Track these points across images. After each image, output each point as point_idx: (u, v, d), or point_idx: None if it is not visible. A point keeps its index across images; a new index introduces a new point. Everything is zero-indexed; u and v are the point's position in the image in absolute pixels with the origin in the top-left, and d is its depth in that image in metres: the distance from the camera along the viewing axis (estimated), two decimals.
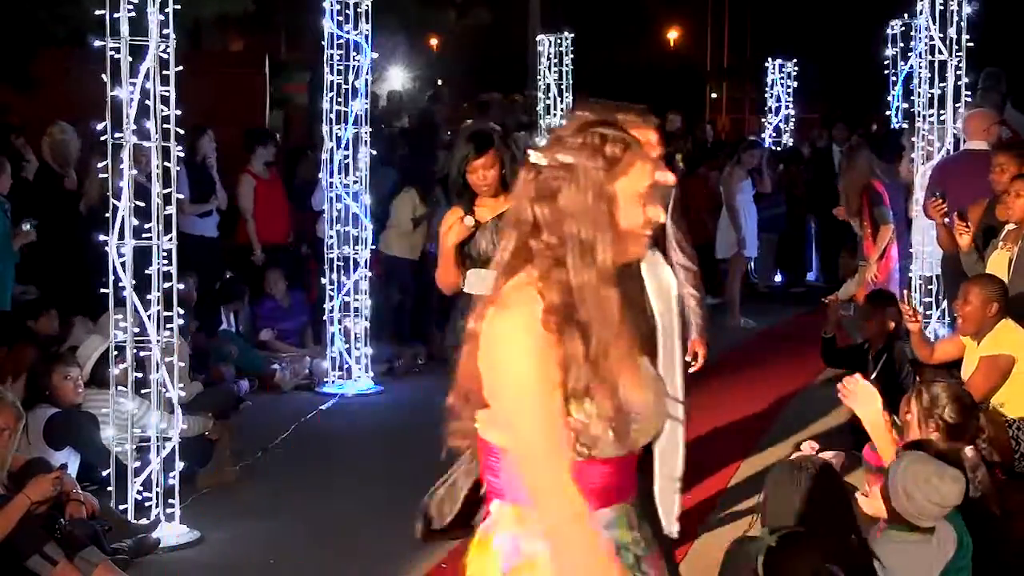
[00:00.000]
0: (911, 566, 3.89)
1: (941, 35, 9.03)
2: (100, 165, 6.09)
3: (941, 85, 9.03)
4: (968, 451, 4.72)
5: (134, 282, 5.88)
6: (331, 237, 9.35)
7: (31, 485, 5.13)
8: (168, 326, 6.04)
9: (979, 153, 8.12)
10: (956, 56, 9.01)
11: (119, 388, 6.03)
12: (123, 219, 5.89)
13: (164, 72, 5.91)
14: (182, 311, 6.44)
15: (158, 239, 5.95)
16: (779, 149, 15.26)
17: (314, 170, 10.46)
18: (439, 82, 24.00)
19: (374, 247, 9.75)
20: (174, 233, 6.04)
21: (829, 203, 12.33)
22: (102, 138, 5.93)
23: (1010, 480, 5.31)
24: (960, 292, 6.17)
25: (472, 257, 5.41)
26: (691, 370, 4.91)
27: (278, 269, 10.24)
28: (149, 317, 5.94)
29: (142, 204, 5.93)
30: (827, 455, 3.89)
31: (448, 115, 13.96)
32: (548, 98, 13.33)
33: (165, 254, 5.98)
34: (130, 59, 5.84)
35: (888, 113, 12.34)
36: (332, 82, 9.23)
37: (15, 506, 5.04)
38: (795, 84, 15.77)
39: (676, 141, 14.08)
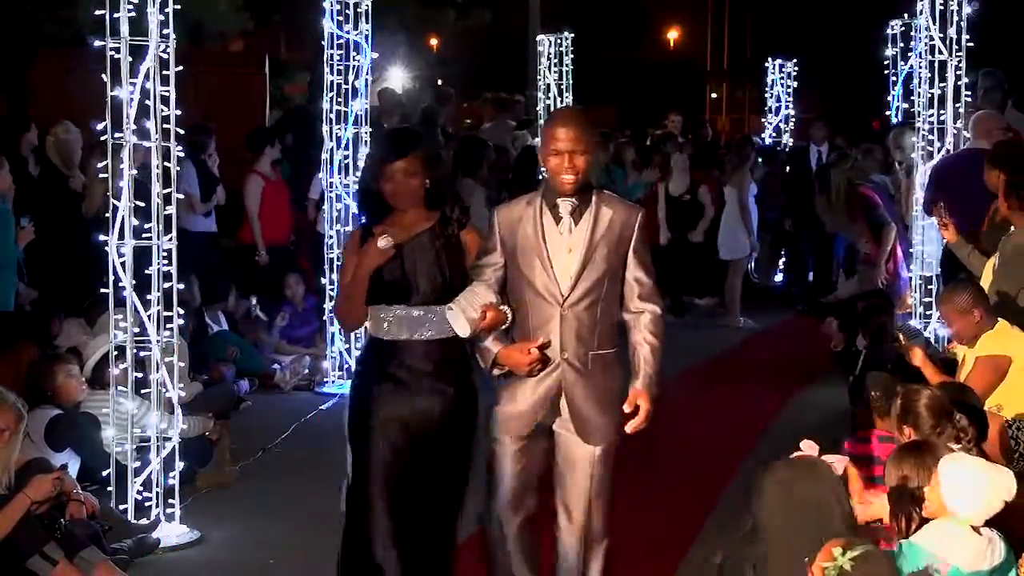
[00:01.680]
0: (954, 549, 3.83)
1: (941, 35, 9.03)
2: (100, 165, 6.08)
3: (941, 85, 9.03)
4: (958, 450, 4.72)
5: (134, 282, 5.88)
6: (331, 237, 9.35)
7: (31, 485, 5.13)
8: (168, 326, 6.04)
9: (979, 153, 8.14)
10: (956, 56, 9.00)
11: (119, 388, 6.03)
12: (123, 219, 5.89)
13: (164, 72, 5.91)
14: (182, 311, 6.44)
15: (158, 239, 5.96)
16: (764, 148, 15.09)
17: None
18: (439, 82, 23.99)
19: None
20: (174, 233, 6.04)
21: (802, 203, 12.32)
22: (102, 138, 5.94)
23: None
24: (941, 313, 6.22)
25: (384, 287, 4.54)
26: (628, 428, 4.36)
27: (296, 273, 10.24)
28: (149, 317, 5.94)
29: (142, 204, 5.94)
30: (828, 458, 3.86)
31: (454, 115, 13.93)
32: (548, 98, 13.33)
33: (165, 254, 5.99)
34: (130, 59, 5.84)
35: (888, 113, 12.34)
36: (332, 82, 9.23)
37: (15, 506, 5.04)
38: (795, 84, 15.76)
39: (676, 141, 14.09)
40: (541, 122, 12.43)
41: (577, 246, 4.35)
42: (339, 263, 9.28)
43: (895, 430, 4.86)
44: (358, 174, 9.35)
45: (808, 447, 3.88)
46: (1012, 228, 6.82)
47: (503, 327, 4.38)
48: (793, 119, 16.20)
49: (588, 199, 4.38)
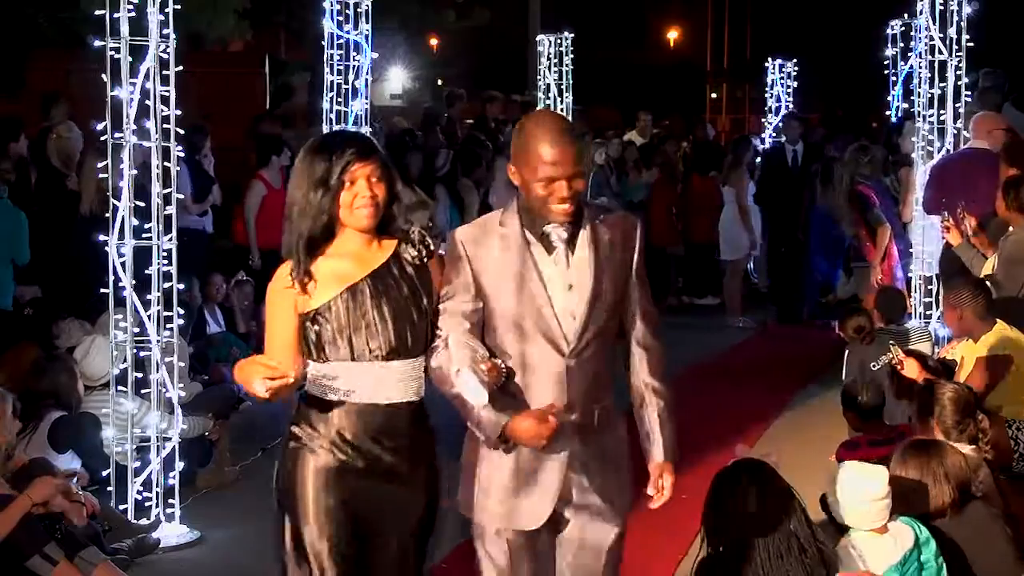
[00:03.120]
0: (869, 556, 3.94)
1: (941, 35, 9.02)
2: (100, 165, 6.08)
3: (941, 85, 9.03)
4: (970, 451, 4.73)
5: (134, 282, 5.88)
6: None
7: (34, 486, 5.13)
8: (168, 326, 6.04)
9: (980, 153, 8.17)
10: (956, 56, 9.00)
11: (119, 388, 6.03)
12: (123, 219, 5.89)
13: (164, 72, 5.91)
14: (182, 311, 6.44)
15: (158, 239, 5.96)
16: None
17: None
18: (439, 82, 24.00)
19: None
20: (174, 233, 6.05)
21: (776, 200, 12.23)
22: (102, 138, 5.94)
23: (1010, 481, 5.30)
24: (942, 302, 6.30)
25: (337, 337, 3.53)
26: (653, 505, 3.60)
27: None
28: (149, 317, 5.94)
29: (142, 204, 5.94)
30: (761, 456, 3.85)
31: (461, 116, 13.90)
32: (548, 98, 13.31)
33: (165, 254, 5.99)
34: (130, 59, 5.84)
35: (888, 113, 12.34)
36: (332, 82, 9.23)
37: (16, 506, 5.04)
38: (795, 84, 15.76)
39: (676, 141, 14.09)
40: None
41: (579, 281, 3.49)
42: None
43: (916, 423, 4.87)
44: None
45: (741, 450, 3.86)
46: (1011, 228, 6.84)
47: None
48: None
49: (579, 219, 3.51)
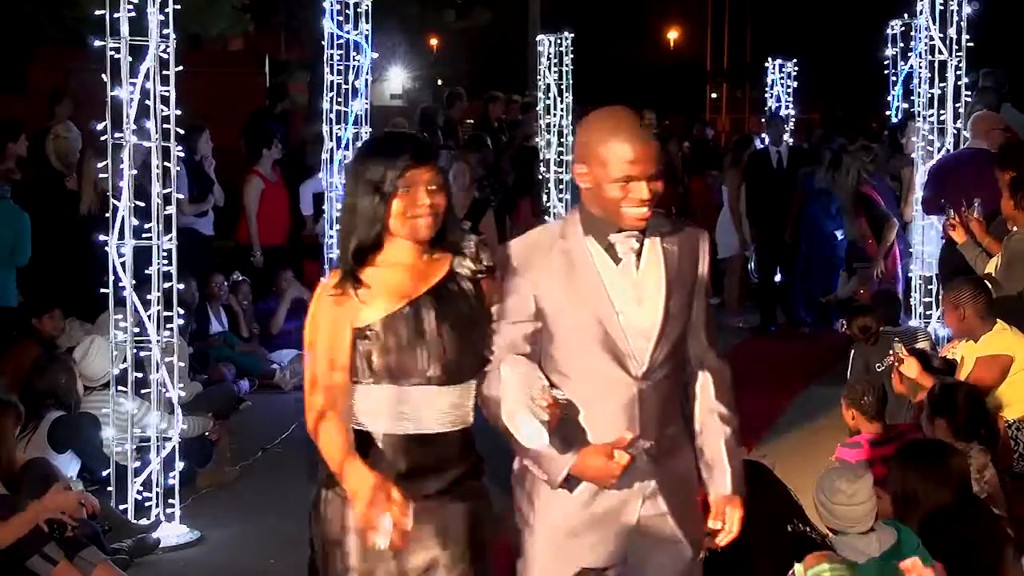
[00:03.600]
0: (851, 553, 3.95)
1: (941, 35, 9.02)
2: (100, 165, 6.08)
3: (941, 85, 9.03)
4: (978, 452, 4.73)
5: (134, 282, 5.88)
6: (331, 237, 9.35)
7: (51, 497, 5.09)
8: (168, 326, 6.04)
9: (979, 152, 8.17)
10: (956, 56, 9.00)
11: (119, 388, 6.03)
12: (123, 219, 5.89)
13: (164, 72, 5.91)
14: (182, 311, 6.44)
15: (158, 239, 5.95)
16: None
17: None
18: (439, 82, 24.01)
19: None
20: (174, 233, 6.05)
21: (760, 203, 12.15)
22: (102, 138, 5.94)
23: (1010, 481, 5.31)
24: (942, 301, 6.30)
25: (394, 359, 3.15)
26: (720, 540, 3.27)
27: (289, 269, 10.25)
28: (149, 317, 5.94)
29: (142, 204, 5.94)
30: (758, 457, 3.87)
31: (464, 116, 13.90)
32: (548, 98, 13.30)
33: (165, 254, 5.99)
34: (130, 59, 5.84)
35: (888, 113, 12.33)
36: (332, 82, 9.23)
37: (26, 518, 5.01)
38: (795, 84, 15.75)
39: (677, 141, 14.07)
40: (541, 122, 12.40)
41: (650, 295, 3.17)
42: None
43: (925, 422, 4.87)
44: None
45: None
46: (1014, 228, 6.83)
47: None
48: (793, 119, 16.20)
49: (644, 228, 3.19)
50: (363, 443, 3.16)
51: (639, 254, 3.18)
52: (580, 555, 3.20)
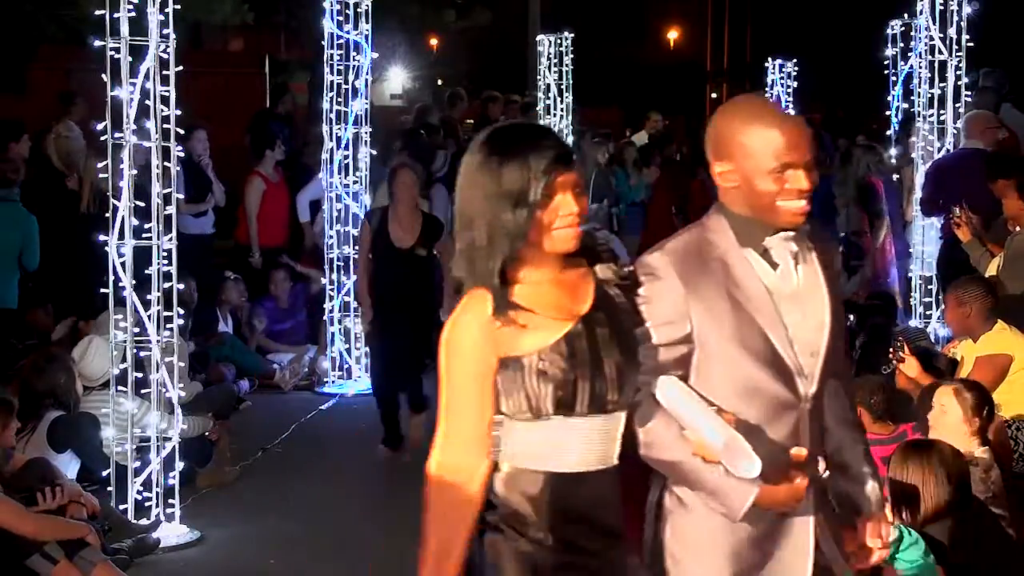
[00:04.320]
0: None
1: (941, 35, 9.03)
2: (100, 165, 6.08)
3: (941, 85, 9.03)
4: (982, 452, 4.73)
5: (134, 282, 5.88)
6: (331, 237, 9.35)
7: (70, 527, 5.18)
8: (168, 326, 6.04)
9: (976, 152, 8.18)
10: (956, 56, 9.01)
11: (119, 388, 6.03)
12: (123, 219, 5.89)
13: (164, 72, 5.91)
14: (182, 311, 6.44)
15: (158, 239, 5.96)
16: None
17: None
18: (439, 82, 24.01)
19: None
20: (174, 233, 6.05)
21: None
22: (103, 138, 5.94)
23: (1010, 480, 5.31)
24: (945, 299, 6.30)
25: (553, 389, 2.68)
26: (872, 559, 2.92)
27: (282, 270, 10.25)
28: (149, 317, 5.94)
29: (142, 204, 5.94)
30: None
31: (463, 116, 13.90)
32: (548, 98, 13.31)
33: (165, 254, 5.99)
34: (130, 59, 5.84)
35: (888, 113, 12.33)
36: (332, 82, 9.23)
37: (71, 528, 5.12)
38: (795, 84, 15.75)
39: (678, 142, 14.08)
40: (541, 122, 12.39)
41: (812, 306, 2.85)
42: (340, 263, 9.33)
43: (923, 420, 4.87)
44: (358, 174, 9.37)
45: None
46: (1017, 228, 6.83)
47: None
48: None
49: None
50: (523, 487, 2.71)
51: (796, 257, 2.85)
52: None
